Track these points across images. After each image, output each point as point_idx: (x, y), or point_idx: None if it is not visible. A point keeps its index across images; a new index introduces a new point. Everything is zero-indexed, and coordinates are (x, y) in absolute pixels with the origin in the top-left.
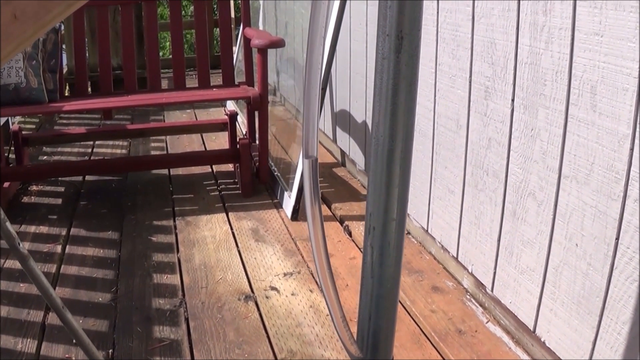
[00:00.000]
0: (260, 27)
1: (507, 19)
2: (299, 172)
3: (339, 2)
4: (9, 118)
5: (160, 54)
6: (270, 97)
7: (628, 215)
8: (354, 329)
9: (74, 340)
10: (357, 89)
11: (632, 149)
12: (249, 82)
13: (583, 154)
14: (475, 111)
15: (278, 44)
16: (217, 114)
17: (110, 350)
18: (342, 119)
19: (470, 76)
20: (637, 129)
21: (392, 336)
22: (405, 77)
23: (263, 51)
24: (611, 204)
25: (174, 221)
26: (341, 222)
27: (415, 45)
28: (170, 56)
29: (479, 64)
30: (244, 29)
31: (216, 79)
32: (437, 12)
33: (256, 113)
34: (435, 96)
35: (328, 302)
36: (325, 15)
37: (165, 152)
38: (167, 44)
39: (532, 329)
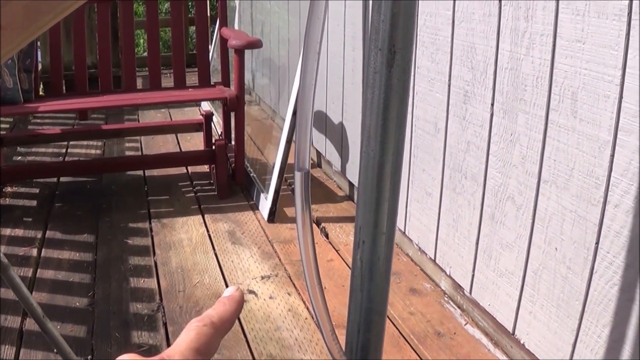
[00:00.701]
0: (236, 27)
1: (488, 24)
2: (275, 174)
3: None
4: None
5: (135, 50)
6: (245, 97)
7: (608, 221)
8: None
9: (55, 350)
10: (333, 90)
11: (612, 156)
12: (225, 82)
13: (563, 160)
14: (454, 115)
15: (255, 44)
16: (193, 114)
17: (89, 357)
18: (319, 120)
19: (450, 80)
20: (618, 136)
21: (381, 349)
22: (397, 92)
23: (240, 52)
24: (591, 209)
25: (150, 223)
26: (318, 223)
27: (408, 59)
28: (146, 54)
29: (459, 68)
30: (220, 28)
31: (192, 77)
32: (417, 15)
33: (232, 114)
34: (413, 99)
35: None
36: (322, 19)
37: (140, 152)
38: (142, 40)
39: (511, 331)
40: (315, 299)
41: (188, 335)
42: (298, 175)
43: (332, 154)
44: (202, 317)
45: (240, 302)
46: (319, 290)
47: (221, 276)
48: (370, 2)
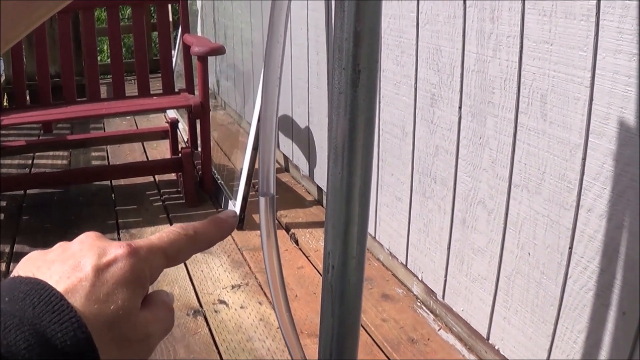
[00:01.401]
0: (199, 30)
1: (453, 26)
2: (242, 181)
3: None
4: None
5: (99, 57)
6: (210, 102)
7: (581, 225)
8: (305, 341)
9: None
10: (298, 94)
11: (584, 159)
12: (189, 89)
13: (534, 163)
14: (421, 118)
15: (218, 51)
16: (158, 120)
17: None
18: (285, 125)
19: (416, 83)
20: (589, 139)
21: None
22: (363, 112)
23: (203, 59)
24: (564, 213)
25: (119, 234)
26: (287, 229)
27: (373, 78)
28: (109, 60)
29: (425, 70)
30: (182, 34)
31: (156, 83)
32: (381, 28)
33: (198, 121)
34: (379, 103)
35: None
36: (283, 33)
37: (106, 161)
38: (105, 46)
39: (485, 336)
40: (287, 334)
41: (163, 236)
42: (262, 201)
43: (299, 159)
44: (186, 226)
45: (230, 229)
46: (290, 324)
47: (191, 287)
48: (333, 8)
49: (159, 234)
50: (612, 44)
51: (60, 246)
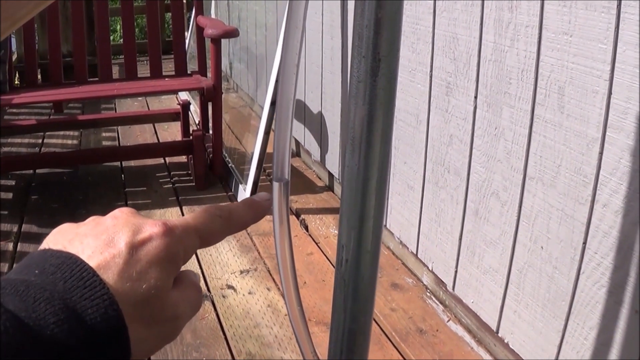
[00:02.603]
0: (213, 12)
1: (471, 14)
2: (253, 165)
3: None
4: None
5: (112, 37)
6: (223, 84)
7: (596, 220)
8: (313, 328)
9: None
10: (312, 79)
11: (601, 153)
12: (202, 71)
13: (549, 156)
14: (436, 107)
15: (232, 33)
16: (170, 102)
17: None
18: (297, 109)
19: (431, 71)
20: (607, 133)
21: None
22: (382, 102)
23: (216, 41)
24: (579, 207)
25: None
26: (297, 215)
27: (394, 68)
28: (122, 40)
29: (441, 59)
30: (196, 16)
31: (168, 64)
32: (402, 18)
33: (209, 103)
34: None
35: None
36: (302, 19)
37: (116, 142)
38: (118, 26)
39: (495, 329)
40: (296, 323)
41: (198, 217)
42: (276, 187)
43: (311, 144)
44: (221, 208)
45: (264, 212)
46: (299, 314)
47: (200, 271)
48: None
49: (194, 214)
50: (633, 37)
51: (93, 220)
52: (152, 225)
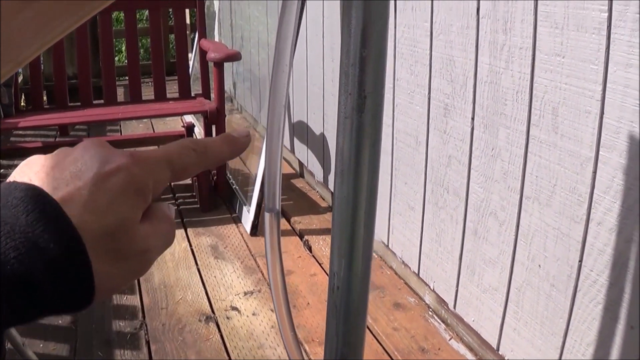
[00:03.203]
0: (216, 35)
1: (466, 37)
2: (257, 186)
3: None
4: None
5: (116, 58)
6: (226, 106)
7: (591, 238)
8: (316, 349)
9: None
10: (314, 100)
11: (595, 172)
12: (206, 93)
13: (545, 176)
14: (434, 128)
15: (234, 57)
16: (174, 123)
17: None
18: (300, 131)
19: (429, 93)
20: (600, 152)
21: None
22: (368, 137)
23: (219, 64)
24: (574, 226)
25: None
26: (301, 236)
27: (379, 103)
28: (126, 61)
29: (438, 80)
30: (199, 39)
31: (172, 85)
32: (395, 27)
33: (213, 126)
34: (393, 112)
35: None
36: (295, 24)
37: None
38: (123, 47)
39: (495, 347)
40: (290, 350)
41: (171, 148)
42: (267, 217)
43: (314, 165)
44: (198, 142)
45: (241, 149)
46: (293, 341)
47: (204, 292)
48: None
49: (167, 145)
50: (623, 57)
51: (61, 151)
52: (120, 156)
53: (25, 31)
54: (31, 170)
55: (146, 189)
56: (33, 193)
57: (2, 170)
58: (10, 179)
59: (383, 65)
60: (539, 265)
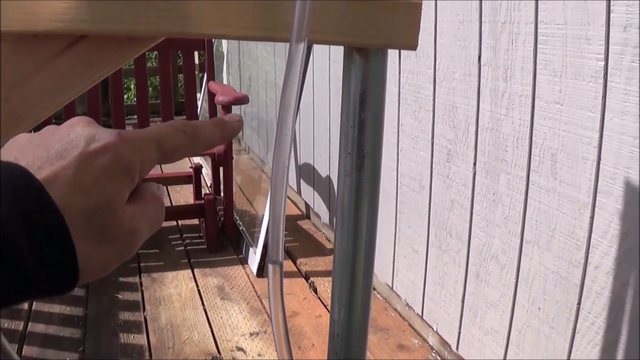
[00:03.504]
0: (224, 75)
1: (468, 84)
2: (263, 228)
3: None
4: None
5: (126, 96)
6: (234, 146)
7: (589, 282)
8: None
9: None
10: (320, 143)
11: (592, 217)
12: None
13: (544, 220)
14: (437, 173)
15: (242, 100)
16: (182, 164)
17: None
18: (307, 172)
19: (433, 138)
20: (597, 198)
21: None
22: (367, 194)
23: (227, 107)
24: (572, 270)
25: (140, 277)
26: (307, 278)
27: (377, 163)
28: (135, 100)
29: (441, 126)
30: (208, 81)
31: None
32: (399, 73)
33: (221, 168)
34: (398, 156)
35: None
36: (300, 71)
37: None
38: (132, 85)
39: None
40: None
41: (161, 129)
42: (271, 269)
43: (320, 207)
44: (188, 124)
45: (232, 133)
46: None
47: (210, 332)
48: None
49: (156, 126)
50: (619, 105)
51: (48, 130)
52: (107, 134)
53: (43, 91)
54: (17, 149)
55: (133, 168)
56: (17, 172)
57: None
58: None
59: (381, 127)
60: (539, 308)
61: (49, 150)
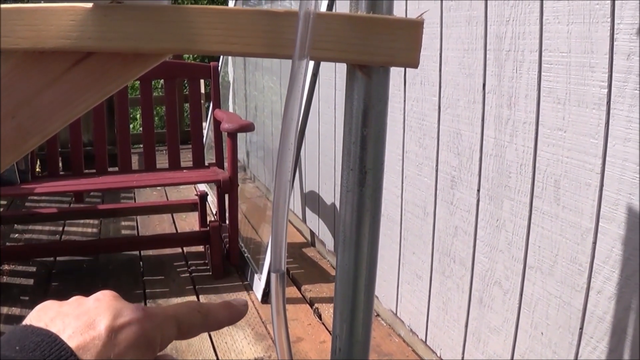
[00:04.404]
0: (230, 104)
1: (473, 111)
2: (268, 254)
3: (307, 86)
4: None
5: (131, 125)
6: (240, 175)
7: (591, 307)
8: None
9: None
10: (325, 170)
11: (594, 243)
12: (219, 162)
13: (547, 246)
14: (441, 199)
15: (247, 128)
16: (188, 192)
17: None
18: (312, 200)
19: (437, 165)
20: (600, 224)
21: None
22: (368, 210)
23: (233, 135)
24: (575, 295)
25: (145, 303)
26: (311, 304)
27: (379, 179)
28: (141, 129)
29: (445, 153)
30: (214, 109)
31: (187, 154)
32: (404, 101)
33: (226, 195)
34: (402, 183)
35: None
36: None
37: (135, 231)
38: (138, 115)
39: None
40: None
41: (179, 309)
42: (273, 277)
43: (325, 234)
44: (203, 306)
45: (239, 316)
46: None
47: (215, 358)
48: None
49: (175, 305)
50: (621, 132)
51: (76, 300)
52: (132, 310)
53: (52, 107)
54: (47, 316)
55: (154, 343)
56: (50, 339)
57: (17, 235)
58: (26, 322)
59: (383, 144)
60: (542, 333)
61: (77, 320)
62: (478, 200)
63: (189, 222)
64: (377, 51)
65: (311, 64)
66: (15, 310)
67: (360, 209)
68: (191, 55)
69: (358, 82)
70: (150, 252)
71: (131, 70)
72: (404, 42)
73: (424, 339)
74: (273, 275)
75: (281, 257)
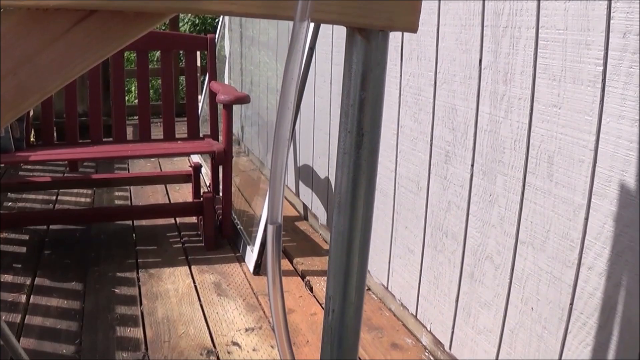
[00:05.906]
0: (226, 78)
1: (469, 86)
2: (261, 227)
3: (303, 61)
4: None
5: (127, 97)
6: (234, 148)
7: (582, 282)
8: None
9: None
10: (320, 145)
11: (586, 219)
12: (214, 135)
13: (539, 221)
14: (435, 174)
15: (243, 100)
16: (182, 164)
17: None
18: (305, 174)
19: (432, 140)
20: (592, 200)
21: None
22: (364, 172)
23: (228, 107)
24: (566, 270)
25: (137, 273)
26: (302, 277)
27: (375, 142)
28: (136, 101)
29: (440, 128)
30: (209, 81)
31: (181, 126)
32: (400, 75)
33: (220, 166)
34: (396, 157)
35: None
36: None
37: (129, 201)
38: (133, 87)
39: None
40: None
41: None
42: (270, 229)
43: (318, 208)
44: None
45: None
46: (287, 345)
47: (206, 327)
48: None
49: None
50: (616, 109)
51: None
52: None
53: (52, 65)
54: None
55: None
56: None
57: (10, 204)
58: None
59: (380, 107)
60: (532, 308)
61: None
62: (472, 175)
63: (182, 194)
64: (376, 15)
65: (308, 53)
66: (8, 278)
67: (356, 171)
68: (187, 27)
69: (357, 45)
70: (143, 222)
71: (131, 31)
72: (404, 6)
73: (414, 313)
74: (270, 227)
75: (278, 209)
